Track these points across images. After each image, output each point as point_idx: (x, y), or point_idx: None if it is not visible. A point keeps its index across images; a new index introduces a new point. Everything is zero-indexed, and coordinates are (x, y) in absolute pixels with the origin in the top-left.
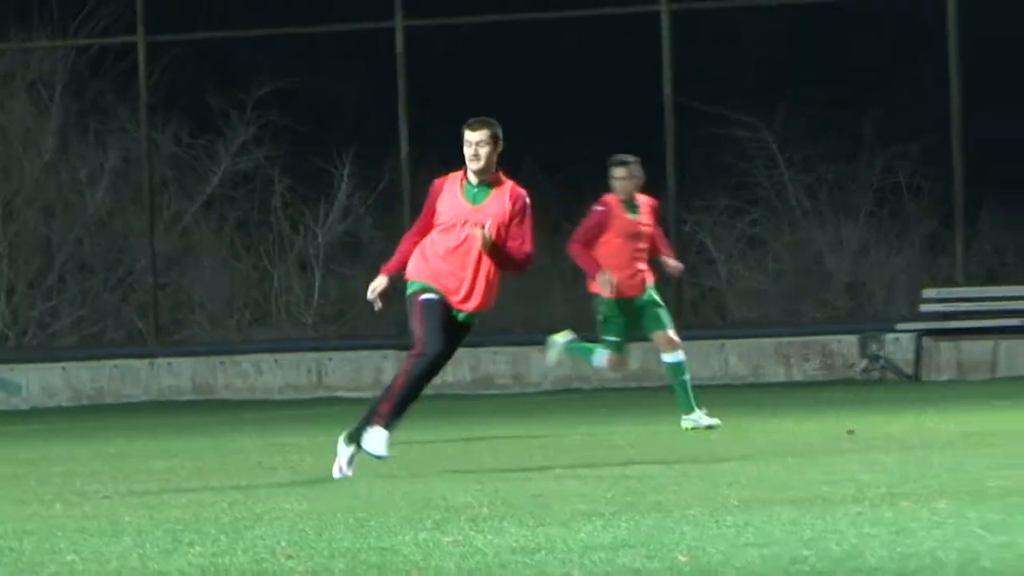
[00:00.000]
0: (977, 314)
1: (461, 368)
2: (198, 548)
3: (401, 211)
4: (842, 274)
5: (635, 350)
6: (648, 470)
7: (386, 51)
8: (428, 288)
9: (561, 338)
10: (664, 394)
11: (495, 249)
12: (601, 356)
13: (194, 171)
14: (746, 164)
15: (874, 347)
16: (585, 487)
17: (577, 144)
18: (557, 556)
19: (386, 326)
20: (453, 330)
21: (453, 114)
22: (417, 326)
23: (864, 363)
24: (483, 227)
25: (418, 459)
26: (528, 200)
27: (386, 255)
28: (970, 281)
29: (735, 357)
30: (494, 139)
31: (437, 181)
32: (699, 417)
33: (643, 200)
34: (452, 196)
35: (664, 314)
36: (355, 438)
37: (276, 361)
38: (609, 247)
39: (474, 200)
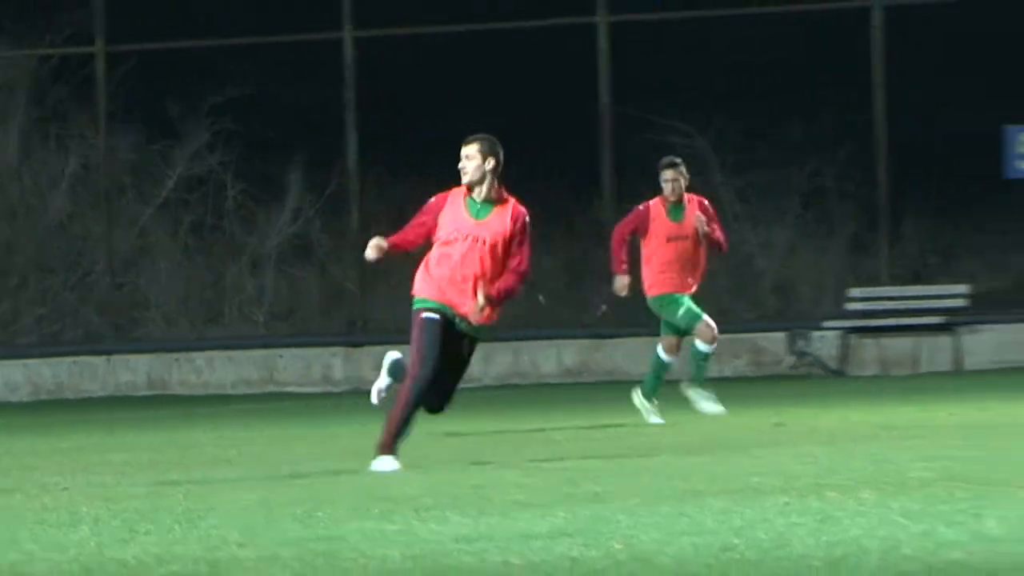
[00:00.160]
0: (900, 312)
1: None
2: (153, 537)
3: (349, 214)
4: (771, 274)
5: (574, 346)
6: (585, 463)
7: (336, 61)
8: (431, 306)
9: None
10: (601, 389)
11: (490, 302)
12: (662, 351)
13: (151, 176)
14: None
15: (801, 344)
16: (524, 479)
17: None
18: (497, 544)
19: (336, 324)
20: (455, 347)
21: (399, 122)
22: (414, 348)
23: (792, 359)
24: (478, 299)
25: (364, 451)
26: (528, 219)
27: (334, 256)
28: (893, 281)
29: None
30: (483, 154)
31: (438, 196)
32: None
33: (691, 203)
34: (455, 211)
35: (693, 319)
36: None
37: (229, 358)
38: (650, 248)
39: (477, 215)
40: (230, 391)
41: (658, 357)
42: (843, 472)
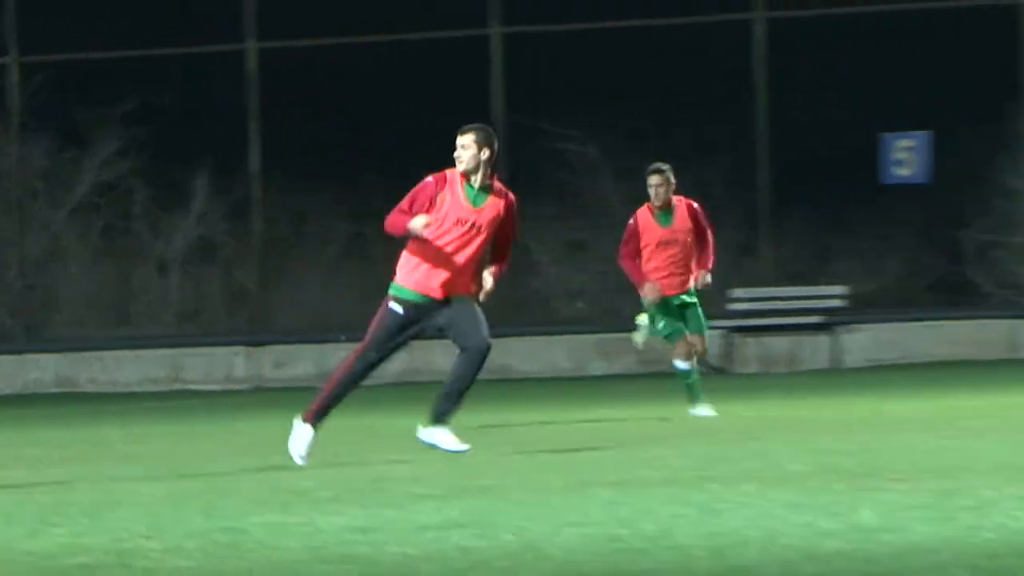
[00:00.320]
0: (780, 312)
1: (305, 363)
2: (62, 529)
3: (252, 218)
4: None
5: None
6: (478, 456)
7: (240, 71)
8: (405, 297)
9: (643, 321)
10: (492, 387)
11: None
12: (676, 358)
13: (63, 183)
14: (570, 174)
15: None
16: (420, 472)
17: (416, 160)
18: (393, 535)
19: (238, 325)
20: (447, 313)
21: (300, 129)
22: (371, 329)
23: None
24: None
25: (265, 446)
26: (515, 202)
27: (238, 258)
28: (774, 282)
29: (560, 352)
30: (478, 144)
31: (436, 177)
32: (702, 408)
33: (680, 205)
34: (453, 195)
35: (700, 319)
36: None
37: (136, 357)
38: (644, 254)
39: (475, 202)
40: (137, 389)
41: (676, 368)
42: (725, 465)
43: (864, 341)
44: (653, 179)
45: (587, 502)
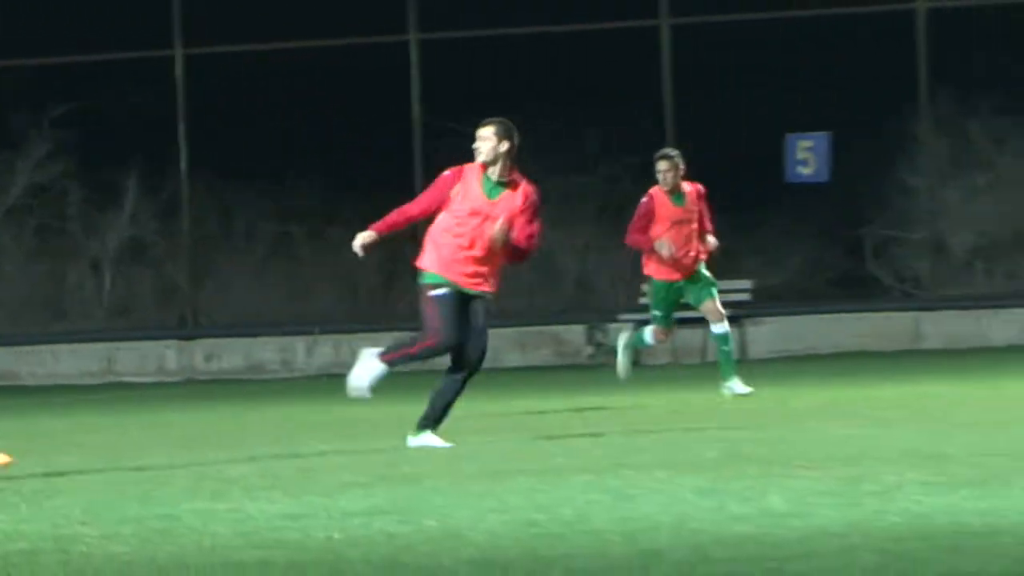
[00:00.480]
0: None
1: (234, 356)
2: (2, 516)
3: (181, 217)
4: (572, 270)
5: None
6: (400, 445)
7: (168, 76)
8: (440, 282)
9: (621, 344)
10: (415, 376)
11: (505, 240)
12: (648, 333)
13: None
14: None
15: (599, 335)
16: (345, 461)
17: (338, 161)
18: (320, 521)
19: (169, 319)
20: (466, 312)
21: (227, 131)
22: (434, 319)
23: (591, 350)
24: (499, 221)
25: (197, 436)
26: (536, 197)
27: (168, 256)
28: None
29: None
30: (498, 136)
31: (453, 170)
32: (735, 385)
33: (689, 188)
34: (470, 188)
35: (713, 288)
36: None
37: (72, 351)
38: (655, 232)
39: (491, 195)
40: (75, 381)
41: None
42: (639, 453)
43: (768, 333)
44: (661, 164)
45: (507, 490)
